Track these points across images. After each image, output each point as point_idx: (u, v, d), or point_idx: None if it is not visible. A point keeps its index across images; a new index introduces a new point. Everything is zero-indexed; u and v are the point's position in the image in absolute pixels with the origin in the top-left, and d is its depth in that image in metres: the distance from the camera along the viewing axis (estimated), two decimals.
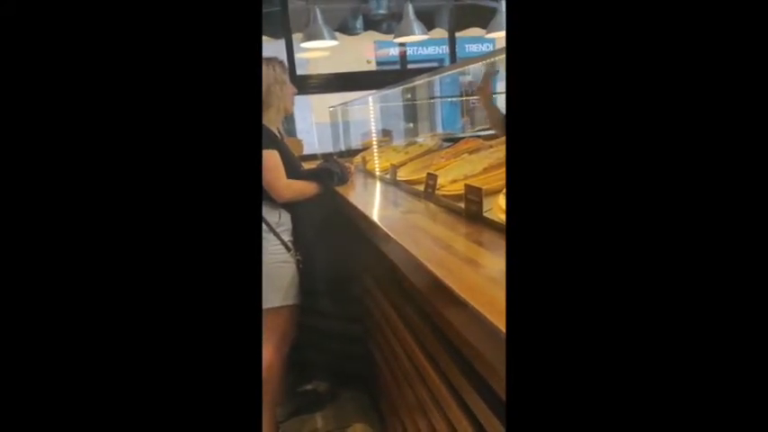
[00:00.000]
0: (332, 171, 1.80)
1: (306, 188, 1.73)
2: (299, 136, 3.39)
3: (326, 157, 2.17)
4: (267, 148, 1.62)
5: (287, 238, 1.67)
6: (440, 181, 1.46)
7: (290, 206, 1.70)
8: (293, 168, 1.72)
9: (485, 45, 6.94)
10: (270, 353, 1.69)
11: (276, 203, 1.66)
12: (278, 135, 1.74)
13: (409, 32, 3.31)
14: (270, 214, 1.65)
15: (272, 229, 1.64)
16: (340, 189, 1.84)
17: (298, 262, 1.68)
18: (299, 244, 1.70)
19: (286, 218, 1.69)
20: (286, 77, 1.74)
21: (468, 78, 6.55)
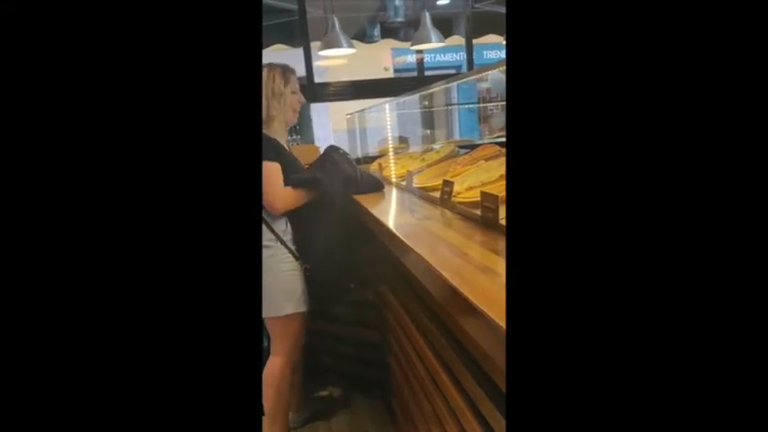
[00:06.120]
0: (319, 180, 1.66)
1: (298, 197, 1.63)
2: (317, 143, 3.42)
3: (323, 159, 1.79)
4: (268, 160, 1.57)
5: (294, 246, 1.67)
6: (456, 188, 1.45)
7: (293, 215, 1.67)
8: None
9: (502, 52, 6.93)
10: (281, 360, 1.69)
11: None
12: (284, 145, 1.69)
13: (426, 40, 3.32)
14: (277, 223, 1.64)
15: (279, 239, 1.63)
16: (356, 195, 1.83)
17: (305, 270, 1.67)
18: (305, 252, 1.67)
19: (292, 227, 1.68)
20: (286, 88, 1.65)
21: (486, 85, 6.54)
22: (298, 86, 1.73)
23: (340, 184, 1.71)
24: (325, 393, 2.13)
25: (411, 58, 5.89)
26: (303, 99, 1.74)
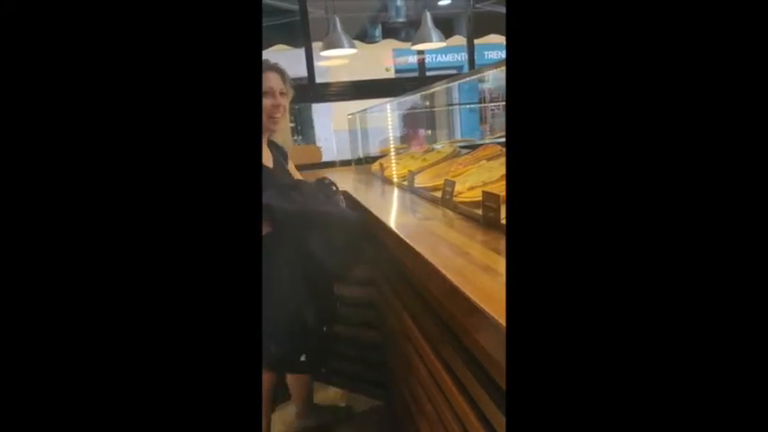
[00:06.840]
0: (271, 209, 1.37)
1: None
2: (319, 143, 3.42)
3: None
4: None
5: None
6: (457, 188, 1.45)
7: None
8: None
9: (503, 52, 6.90)
10: None
11: None
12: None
13: (428, 40, 3.33)
14: None
15: None
16: (357, 195, 1.83)
17: None
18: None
19: None
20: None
21: (488, 85, 6.54)
22: (275, 88, 1.47)
23: (303, 225, 1.43)
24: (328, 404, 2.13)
25: (412, 59, 5.90)
26: (281, 102, 1.49)
